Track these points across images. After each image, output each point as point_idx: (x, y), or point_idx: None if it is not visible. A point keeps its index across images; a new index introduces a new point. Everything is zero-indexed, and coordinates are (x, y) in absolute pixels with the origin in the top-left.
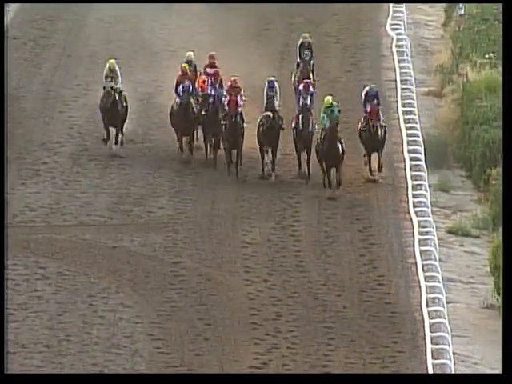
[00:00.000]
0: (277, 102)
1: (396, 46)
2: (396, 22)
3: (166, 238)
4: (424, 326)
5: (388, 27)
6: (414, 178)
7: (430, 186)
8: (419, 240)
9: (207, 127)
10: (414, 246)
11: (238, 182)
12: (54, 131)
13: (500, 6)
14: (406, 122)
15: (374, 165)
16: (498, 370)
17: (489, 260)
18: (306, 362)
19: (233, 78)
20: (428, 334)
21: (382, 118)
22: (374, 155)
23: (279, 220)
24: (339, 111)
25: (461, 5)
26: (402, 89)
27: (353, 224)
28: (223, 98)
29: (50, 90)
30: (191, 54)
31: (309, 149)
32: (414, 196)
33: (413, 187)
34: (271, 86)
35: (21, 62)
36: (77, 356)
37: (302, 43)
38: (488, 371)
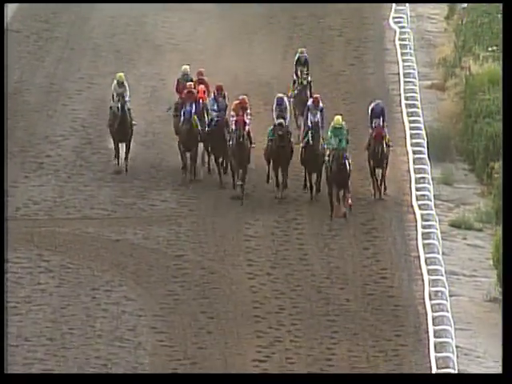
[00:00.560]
0: (287, 120)
1: (399, 39)
2: (399, 15)
3: (169, 231)
4: (427, 320)
5: (391, 20)
6: (416, 171)
7: (433, 180)
8: (422, 233)
9: (212, 146)
10: (417, 239)
11: None
12: (57, 124)
13: None
14: (409, 115)
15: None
16: (500, 365)
17: (492, 253)
18: (309, 355)
19: (242, 97)
20: (431, 328)
21: (387, 137)
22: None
23: (282, 213)
24: (347, 131)
25: None
26: (404, 82)
27: (356, 217)
28: (230, 118)
29: (53, 83)
30: (187, 67)
31: (319, 169)
32: (417, 189)
33: (416, 180)
34: (280, 103)
35: (24, 55)
36: (80, 349)
37: (298, 59)
38: (491, 364)
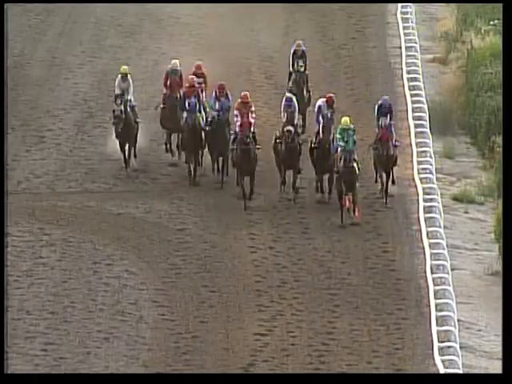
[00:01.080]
0: (295, 120)
1: (401, 12)
2: None
3: (171, 204)
4: (428, 293)
5: None
6: (418, 144)
7: (434, 153)
8: (424, 207)
9: (213, 145)
10: (418, 213)
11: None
12: (58, 98)
13: None
14: (411, 88)
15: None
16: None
17: (493, 227)
18: (311, 328)
19: (243, 93)
20: (432, 301)
21: (394, 136)
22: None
23: (284, 187)
24: (354, 131)
25: None
26: (406, 56)
27: (358, 192)
28: (235, 118)
29: (55, 56)
30: (177, 61)
31: (330, 169)
32: (419, 163)
33: (417, 154)
34: (289, 104)
35: (25, 29)
36: (82, 323)
37: (295, 52)
38: (492, 338)
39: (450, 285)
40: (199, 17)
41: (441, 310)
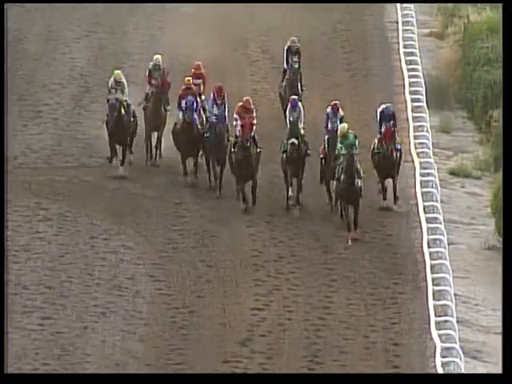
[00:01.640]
0: (301, 125)
1: None
2: None
3: (168, 179)
4: (425, 268)
5: None
6: (415, 119)
7: (431, 128)
8: (420, 181)
9: (210, 151)
10: (415, 187)
11: None
12: (55, 73)
13: None
14: (408, 63)
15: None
16: (499, 312)
17: (490, 201)
18: (308, 303)
19: (245, 98)
20: (429, 276)
21: (397, 139)
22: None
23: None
24: (355, 137)
25: None
26: (403, 30)
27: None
28: (234, 122)
29: (52, 31)
30: (159, 57)
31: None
32: (416, 137)
33: (414, 128)
34: (294, 106)
35: (22, 4)
36: (79, 297)
37: (289, 48)
38: (489, 312)
39: (446, 259)
40: None
41: (438, 285)
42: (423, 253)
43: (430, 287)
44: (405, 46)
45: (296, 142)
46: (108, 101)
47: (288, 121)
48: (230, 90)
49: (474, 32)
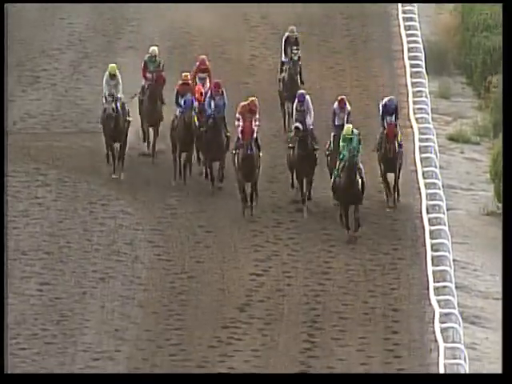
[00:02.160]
0: (310, 120)
1: None
2: None
3: (167, 144)
4: (424, 233)
5: None
6: (414, 84)
7: (430, 93)
8: (420, 147)
9: (206, 149)
10: (414, 152)
11: (237, 88)
12: (54, 38)
13: None
14: (407, 28)
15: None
16: (498, 277)
17: (489, 167)
18: (307, 268)
19: (251, 99)
20: (428, 241)
21: (399, 135)
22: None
23: (279, 128)
24: (359, 141)
25: None
26: None
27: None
28: (236, 122)
29: None
30: (155, 48)
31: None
32: (415, 103)
33: (413, 94)
34: (301, 101)
35: None
36: (77, 263)
37: (287, 38)
38: (488, 278)
39: (445, 225)
40: None
41: (436, 250)
42: (422, 218)
43: (429, 253)
44: (404, 12)
45: (300, 126)
46: (105, 110)
47: (294, 113)
48: (229, 56)
49: None
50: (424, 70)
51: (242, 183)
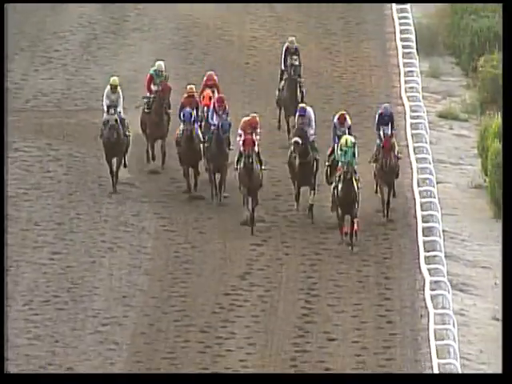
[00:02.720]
0: (312, 131)
1: None
2: None
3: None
4: (415, 205)
5: None
6: (405, 64)
7: (421, 73)
8: (411, 124)
9: (210, 161)
10: (405, 129)
11: (241, 67)
12: (64, 20)
13: None
14: (399, 11)
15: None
16: (485, 247)
17: (477, 142)
18: (304, 239)
19: (252, 115)
20: (419, 213)
21: (395, 147)
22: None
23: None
24: (354, 154)
25: None
26: None
27: (348, 109)
28: (237, 138)
29: None
30: (162, 64)
31: None
32: (406, 82)
33: (405, 73)
34: (302, 114)
35: None
36: (87, 233)
37: (287, 49)
38: (475, 247)
39: (435, 197)
40: None
41: (427, 221)
42: (413, 191)
43: (420, 224)
44: None
45: (300, 140)
46: (108, 121)
47: (294, 128)
48: (229, 38)
49: None
50: (415, 51)
51: (246, 197)
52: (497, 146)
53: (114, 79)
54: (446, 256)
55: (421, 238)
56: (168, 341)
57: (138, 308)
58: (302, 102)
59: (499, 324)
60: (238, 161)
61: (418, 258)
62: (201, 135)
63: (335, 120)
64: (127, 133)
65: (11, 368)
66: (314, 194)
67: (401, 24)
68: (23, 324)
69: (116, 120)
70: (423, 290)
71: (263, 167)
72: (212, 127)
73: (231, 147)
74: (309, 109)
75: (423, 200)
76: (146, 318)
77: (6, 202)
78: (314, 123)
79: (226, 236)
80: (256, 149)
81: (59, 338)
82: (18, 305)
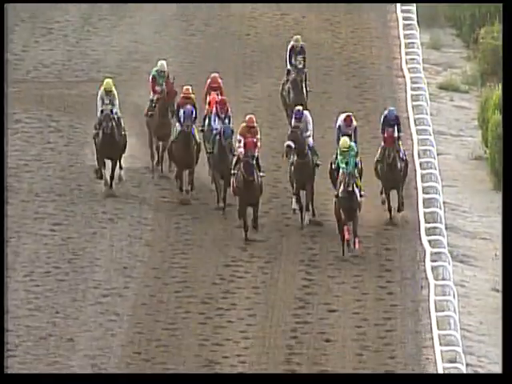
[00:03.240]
0: (309, 133)
1: None
2: None
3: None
4: (416, 177)
5: None
6: (406, 36)
7: (422, 44)
8: (411, 95)
9: (214, 167)
10: (406, 100)
11: (242, 39)
12: None
13: None
14: None
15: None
16: (486, 218)
17: (477, 114)
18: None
19: (248, 117)
20: (420, 184)
21: (401, 149)
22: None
23: (280, 76)
24: (357, 153)
25: None
26: None
27: (348, 80)
28: (237, 144)
29: None
30: (164, 63)
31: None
32: (407, 53)
33: (405, 45)
34: (298, 118)
35: None
36: (88, 204)
37: (292, 47)
38: (475, 219)
39: (436, 169)
40: None
41: (427, 193)
42: (414, 163)
43: (421, 195)
44: None
45: (292, 144)
46: (102, 111)
47: (289, 132)
48: (229, 13)
49: None
50: (416, 23)
51: (243, 208)
52: (497, 117)
53: (108, 82)
54: (446, 227)
55: (421, 210)
56: (169, 312)
57: (138, 279)
58: (307, 99)
59: (499, 295)
60: (236, 164)
61: (419, 230)
62: (197, 137)
63: (340, 121)
64: (123, 132)
65: (12, 339)
66: (312, 207)
67: None
68: (24, 295)
69: (111, 110)
70: (424, 261)
71: (262, 174)
72: (214, 131)
73: (234, 153)
74: (305, 112)
75: (424, 171)
76: (147, 289)
77: (6, 173)
78: (311, 126)
79: (227, 208)
80: (256, 152)
81: (60, 309)
82: (19, 276)
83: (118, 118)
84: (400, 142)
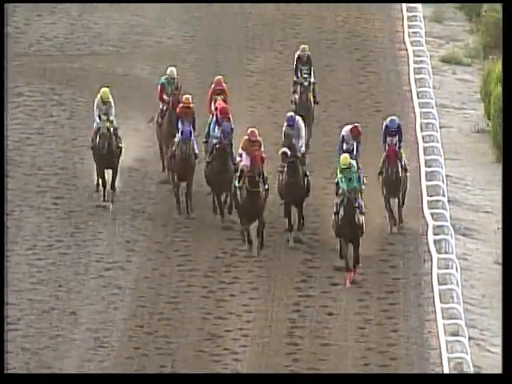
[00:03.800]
0: (302, 141)
1: None
2: None
3: (174, 65)
4: (418, 150)
5: None
6: (409, 9)
7: (424, 17)
8: (414, 68)
9: (214, 179)
10: (409, 74)
11: (244, 13)
12: None
13: None
14: None
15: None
16: (488, 192)
17: (480, 87)
18: None
19: (250, 130)
20: (422, 157)
21: (403, 158)
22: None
23: (282, 49)
24: (359, 178)
25: None
26: None
27: (351, 54)
28: (238, 158)
29: None
30: (174, 70)
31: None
32: (409, 27)
33: (408, 18)
34: (291, 124)
35: None
36: (90, 178)
37: (299, 57)
38: (477, 192)
39: (438, 142)
40: None
41: (430, 166)
42: (416, 136)
43: (423, 169)
44: None
45: (288, 151)
46: (99, 128)
47: (283, 135)
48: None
49: None
50: None
51: (247, 223)
52: (499, 90)
53: (105, 91)
54: (448, 201)
55: (424, 183)
56: (171, 285)
57: (141, 253)
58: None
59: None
60: (239, 179)
61: (422, 203)
62: (197, 151)
63: (345, 132)
64: (120, 144)
65: (14, 312)
66: (302, 214)
67: None
68: (26, 268)
69: (108, 128)
70: (426, 234)
71: (266, 187)
72: (214, 140)
73: (236, 162)
74: (297, 118)
75: (426, 145)
76: (150, 263)
77: (6, 147)
78: (303, 133)
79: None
80: (261, 168)
81: (62, 283)
82: (21, 249)
83: (115, 128)
84: (400, 151)
